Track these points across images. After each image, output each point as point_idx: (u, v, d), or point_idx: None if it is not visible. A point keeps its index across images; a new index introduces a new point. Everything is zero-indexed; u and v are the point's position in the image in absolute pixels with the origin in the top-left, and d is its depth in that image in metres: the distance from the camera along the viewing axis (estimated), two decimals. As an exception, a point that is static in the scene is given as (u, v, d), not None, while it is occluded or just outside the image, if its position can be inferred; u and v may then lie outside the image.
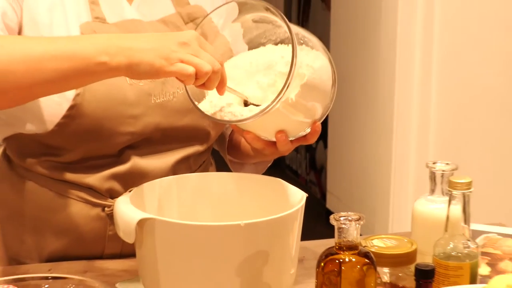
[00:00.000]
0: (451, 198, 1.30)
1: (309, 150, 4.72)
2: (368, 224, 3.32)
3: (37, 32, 1.52)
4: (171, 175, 1.60)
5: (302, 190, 1.40)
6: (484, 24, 2.94)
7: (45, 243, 1.62)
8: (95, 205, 1.59)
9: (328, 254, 1.19)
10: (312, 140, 1.53)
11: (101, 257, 1.60)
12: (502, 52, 2.99)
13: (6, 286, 1.09)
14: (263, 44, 1.48)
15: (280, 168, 5.14)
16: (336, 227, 1.17)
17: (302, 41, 1.37)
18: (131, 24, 1.58)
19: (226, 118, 1.40)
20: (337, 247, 1.17)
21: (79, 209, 1.59)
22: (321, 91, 1.45)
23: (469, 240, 1.30)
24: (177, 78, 1.30)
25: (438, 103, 2.96)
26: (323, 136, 4.34)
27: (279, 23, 1.44)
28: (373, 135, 3.33)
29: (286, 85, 1.32)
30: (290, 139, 1.48)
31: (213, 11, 1.47)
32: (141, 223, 1.27)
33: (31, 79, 1.32)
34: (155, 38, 1.37)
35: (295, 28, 1.36)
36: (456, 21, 2.90)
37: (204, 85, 1.32)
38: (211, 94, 1.46)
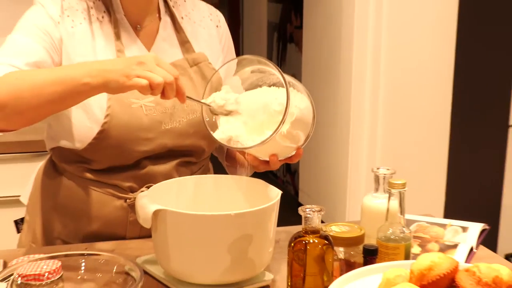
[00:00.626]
0: (390, 195, 1.29)
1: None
2: (329, 214, 3.33)
3: None
4: (175, 176, 1.59)
5: (279, 188, 1.39)
6: (422, 64, 2.98)
7: (82, 227, 1.60)
8: (119, 198, 1.57)
9: (297, 237, 1.18)
10: (296, 160, 1.52)
11: (124, 238, 1.59)
12: (435, 87, 3.02)
13: (54, 260, 1.09)
14: (260, 86, 1.45)
15: (263, 172, 5.14)
16: (303, 216, 1.17)
17: (290, 85, 1.34)
18: None
19: (235, 146, 1.39)
20: (303, 231, 1.18)
21: (107, 201, 1.58)
22: (305, 125, 1.44)
23: (404, 227, 1.29)
24: (138, 90, 1.28)
25: (383, 123, 2.98)
26: (297, 147, 4.36)
27: (272, 72, 1.41)
28: (334, 148, 3.35)
29: (281, 122, 1.32)
30: (280, 159, 1.47)
31: (220, 67, 1.46)
32: (156, 213, 1.28)
33: (36, 101, 1.32)
34: (121, 61, 1.36)
35: (286, 76, 1.35)
36: (398, 63, 2.92)
37: (163, 95, 1.30)
38: (222, 125, 1.43)
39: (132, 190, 1.58)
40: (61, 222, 1.62)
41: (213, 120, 1.44)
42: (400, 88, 2.98)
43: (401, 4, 2.89)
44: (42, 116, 1.41)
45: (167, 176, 1.59)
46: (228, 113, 1.43)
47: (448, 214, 2.89)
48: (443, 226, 1.59)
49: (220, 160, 1.80)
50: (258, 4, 5.31)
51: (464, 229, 1.58)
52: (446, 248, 1.51)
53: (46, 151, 1.66)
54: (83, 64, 1.38)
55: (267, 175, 5.40)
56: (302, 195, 4.16)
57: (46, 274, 1.05)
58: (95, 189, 1.58)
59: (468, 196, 3.17)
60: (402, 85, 2.98)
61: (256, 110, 1.41)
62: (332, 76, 3.30)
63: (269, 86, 1.43)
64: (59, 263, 1.07)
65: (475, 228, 1.58)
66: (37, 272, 1.09)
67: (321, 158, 3.66)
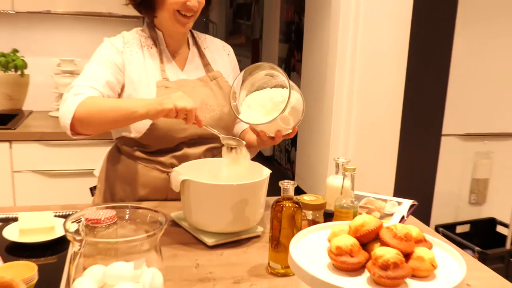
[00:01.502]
0: (344, 176, 1.27)
1: (287, 152, 4.69)
2: (314, 190, 3.32)
3: (132, 86, 1.50)
4: (203, 157, 1.58)
5: (282, 174, 1.38)
6: (383, 88, 2.94)
7: (136, 192, 1.59)
8: (162, 172, 1.56)
9: (277, 201, 1.17)
10: (292, 136, 1.48)
11: (165, 199, 1.58)
12: (390, 102, 2.99)
13: (110, 210, 1.09)
14: (264, 88, 1.44)
15: (271, 161, 5.09)
16: (282, 188, 1.16)
17: (289, 84, 1.33)
18: (183, 81, 1.56)
19: (255, 123, 1.38)
20: (282, 198, 1.17)
21: (155, 174, 1.56)
22: (298, 112, 1.41)
23: (353, 199, 1.28)
24: (166, 113, 1.30)
25: (355, 128, 2.94)
26: (294, 144, 4.32)
27: (276, 75, 1.41)
28: (319, 146, 3.32)
29: (285, 108, 1.32)
30: (282, 135, 1.45)
31: (234, 80, 1.43)
32: (183, 182, 1.30)
33: (102, 121, 1.36)
34: (159, 98, 1.37)
35: (285, 78, 1.36)
36: (367, 85, 2.88)
37: (185, 120, 1.32)
38: (244, 112, 1.43)
39: (173, 166, 1.54)
40: (121, 188, 1.61)
41: (234, 107, 1.43)
42: (368, 101, 2.93)
43: (370, 42, 2.85)
44: (105, 130, 1.44)
45: (198, 157, 1.58)
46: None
47: (396, 194, 2.86)
48: (385, 200, 1.54)
49: None
50: (271, 44, 5.28)
51: (399, 203, 1.53)
52: (385, 215, 1.47)
53: (112, 139, 1.65)
54: (135, 100, 1.42)
55: (273, 164, 5.42)
56: (297, 179, 4.13)
57: (104, 219, 1.05)
58: (146, 165, 1.57)
59: (411, 182, 3.13)
60: (369, 100, 2.93)
61: (264, 101, 1.40)
62: (320, 93, 3.28)
63: (271, 87, 1.41)
64: (114, 212, 1.07)
65: (407, 203, 1.53)
66: (97, 217, 1.08)
67: (310, 153, 3.64)
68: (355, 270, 0.90)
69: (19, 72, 2.86)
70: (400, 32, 2.90)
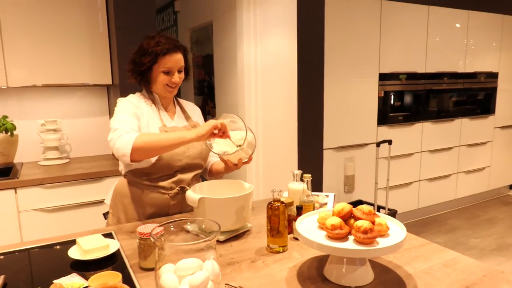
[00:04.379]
0: (303, 181, 1.34)
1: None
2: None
3: (145, 130, 1.48)
4: (193, 181, 1.56)
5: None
6: (281, 111, 2.71)
7: (146, 211, 1.54)
8: (164, 193, 1.52)
9: (270, 202, 1.20)
10: (249, 162, 1.48)
11: (167, 214, 1.55)
12: (287, 124, 2.74)
13: (158, 226, 1.03)
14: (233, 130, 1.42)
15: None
16: (273, 193, 1.20)
17: (247, 127, 1.37)
18: (175, 127, 1.56)
19: (223, 154, 1.38)
20: (273, 201, 1.20)
21: (158, 196, 1.53)
22: (253, 145, 1.43)
23: (310, 196, 1.32)
24: (209, 135, 1.30)
25: (262, 143, 2.70)
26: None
27: (236, 121, 1.40)
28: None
29: (243, 143, 1.35)
30: (242, 162, 1.45)
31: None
32: (200, 199, 1.29)
33: (158, 149, 1.32)
34: (198, 128, 1.34)
35: (243, 123, 1.37)
36: (266, 114, 2.67)
37: (218, 135, 1.33)
38: (215, 147, 1.41)
39: (171, 189, 1.54)
40: (134, 209, 1.56)
41: (209, 145, 1.44)
42: (270, 133, 2.73)
43: (267, 89, 2.67)
44: (157, 155, 1.39)
45: (189, 181, 1.56)
46: (224, 153, 1.42)
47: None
48: (317, 195, 1.60)
49: (204, 175, 1.72)
50: (189, 97, 4.88)
51: (327, 196, 1.61)
52: (322, 204, 1.51)
53: (115, 176, 1.57)
54: (181, 131, 1.37)
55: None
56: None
57: (155, 232, 1.06)
58: (151, 190, 1.53)
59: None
60: (271, 132, 2.74)
61: (229, 140, 1.40)
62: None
63: (233, 130, 1.41)
64: (162, 228, 1.03)
65: (331, 195, 1.62)
66: (149, 232, 1.10)
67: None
68: (343, 238, 1.03)
69: (9, 133, 2.66)
70: (290, 81, 2.77)
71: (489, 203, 4.58)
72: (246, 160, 1.46)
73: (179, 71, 1.52)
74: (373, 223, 1.03)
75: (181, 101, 1.71)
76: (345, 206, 1.06)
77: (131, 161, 1.35)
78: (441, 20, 3.87)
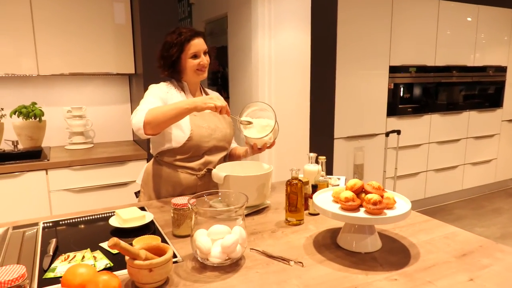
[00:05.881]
0: (318, 163, 1.41)
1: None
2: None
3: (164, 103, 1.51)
4: (220, 162, 1.61)
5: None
6: (294, 106, 2.74)
7: (175, 189, 1.59)
8: (192, 174, 1.58)
9: (289, 180, 1.28)
10: (272, 147, 1.51)
11: (194, 193, 1.57)
12: (300, 114, 2.76)
13: (191, 198, 1.10)
14: (258, 117, 1.47)
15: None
16: (292, 172, 1.28)
17: (275, 115, 1.41)
18: (202, 113, 1.58)
19: (252, 137, 1.42)
20: (292, 178, 1.28)
21: (187, 176, 1.58)
22: (276, 133, 1.48)
23: (324, 176, 1.39)
24: (209, 109, 1.31)
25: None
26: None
27: (266, 109, 1.44)
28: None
29: (270, 131, 1.42)
30: (266, 147, 1.49)
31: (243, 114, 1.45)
32: (226, 177, 1.37)
33: (164, 120, 1.35)
34: (202, 97, 1.36)
35: (273, 112, 1.42)
36: (281, 104, 2.45)
37: (220, 112, 1.33)
38: (245, 131, 1.44)
39: (200, 170, 1.60)
40: (165, 188, 1.61)
41: (241, 127, 1.46)
42: (283, 121, 2.70)
43: (281, 82, 2.67)
44: (166, 126, 1.40)
45: (216, 163, 1.61)
46: (248, 124, 1.48)
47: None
48: (330, 178, 1.63)
49: (225, 159, 1.74)
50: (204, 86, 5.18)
51: (338, 178, 1.65)
52: (335, 186, 1.51)
53: (138, 160, 1.68)
54: (184, 100, 1.39)
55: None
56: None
57: (187, 203, 1.10)
58: (180, 170, 1.58)
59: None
60: (284, 120, 2.71)
61: (258, 126, 1.46)
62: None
63: (261, 118, 1.47)
64: (194, 200, 1.10)
65: (342, 178, 1.68)
66: (183, 203, 1.20)
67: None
68: (355, 209, 1.13)
69: (37, 119, 2.81)
70: (303, 74, 2.81)
71: (495, 195, 4.64)
72: (269, 145, 1.52)
73: (204, 54, 1.59)
74: (381, 197, 1.15)
75: (206, 89, 1.80)
76: (357, 182, 1.17)
77: (145, 134, 1.39)
78: (451, 14, 3.90)
